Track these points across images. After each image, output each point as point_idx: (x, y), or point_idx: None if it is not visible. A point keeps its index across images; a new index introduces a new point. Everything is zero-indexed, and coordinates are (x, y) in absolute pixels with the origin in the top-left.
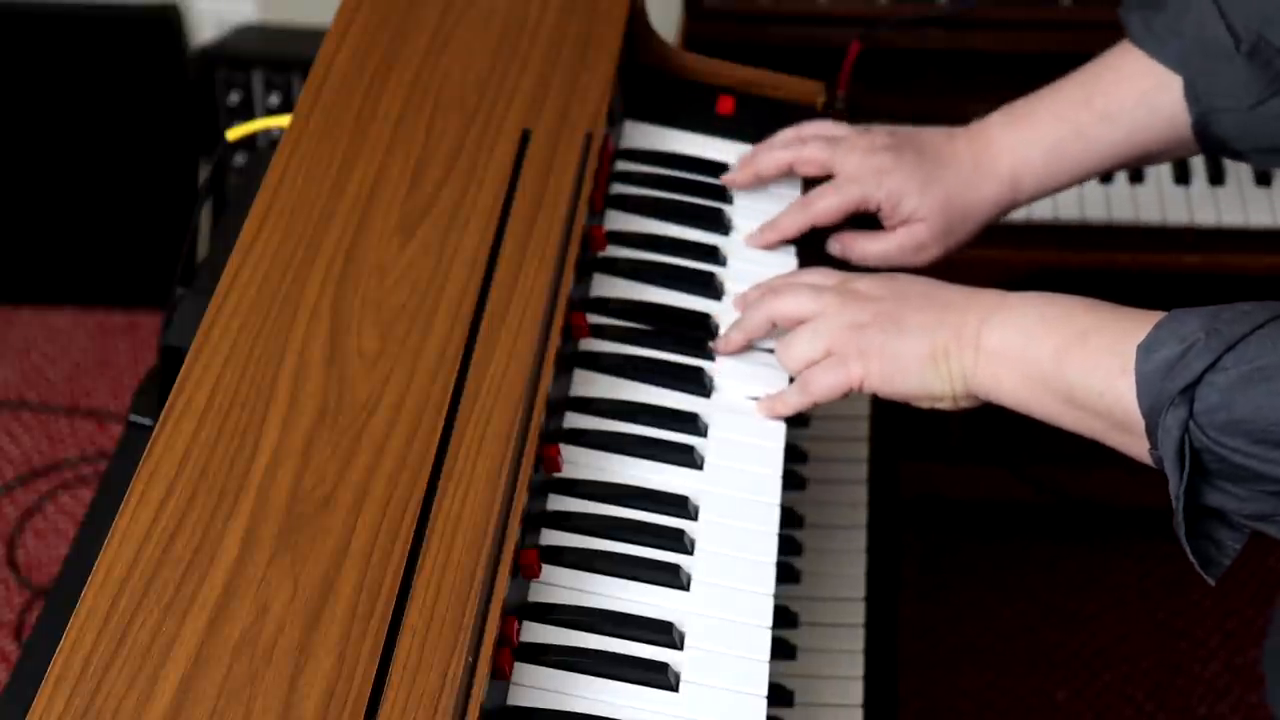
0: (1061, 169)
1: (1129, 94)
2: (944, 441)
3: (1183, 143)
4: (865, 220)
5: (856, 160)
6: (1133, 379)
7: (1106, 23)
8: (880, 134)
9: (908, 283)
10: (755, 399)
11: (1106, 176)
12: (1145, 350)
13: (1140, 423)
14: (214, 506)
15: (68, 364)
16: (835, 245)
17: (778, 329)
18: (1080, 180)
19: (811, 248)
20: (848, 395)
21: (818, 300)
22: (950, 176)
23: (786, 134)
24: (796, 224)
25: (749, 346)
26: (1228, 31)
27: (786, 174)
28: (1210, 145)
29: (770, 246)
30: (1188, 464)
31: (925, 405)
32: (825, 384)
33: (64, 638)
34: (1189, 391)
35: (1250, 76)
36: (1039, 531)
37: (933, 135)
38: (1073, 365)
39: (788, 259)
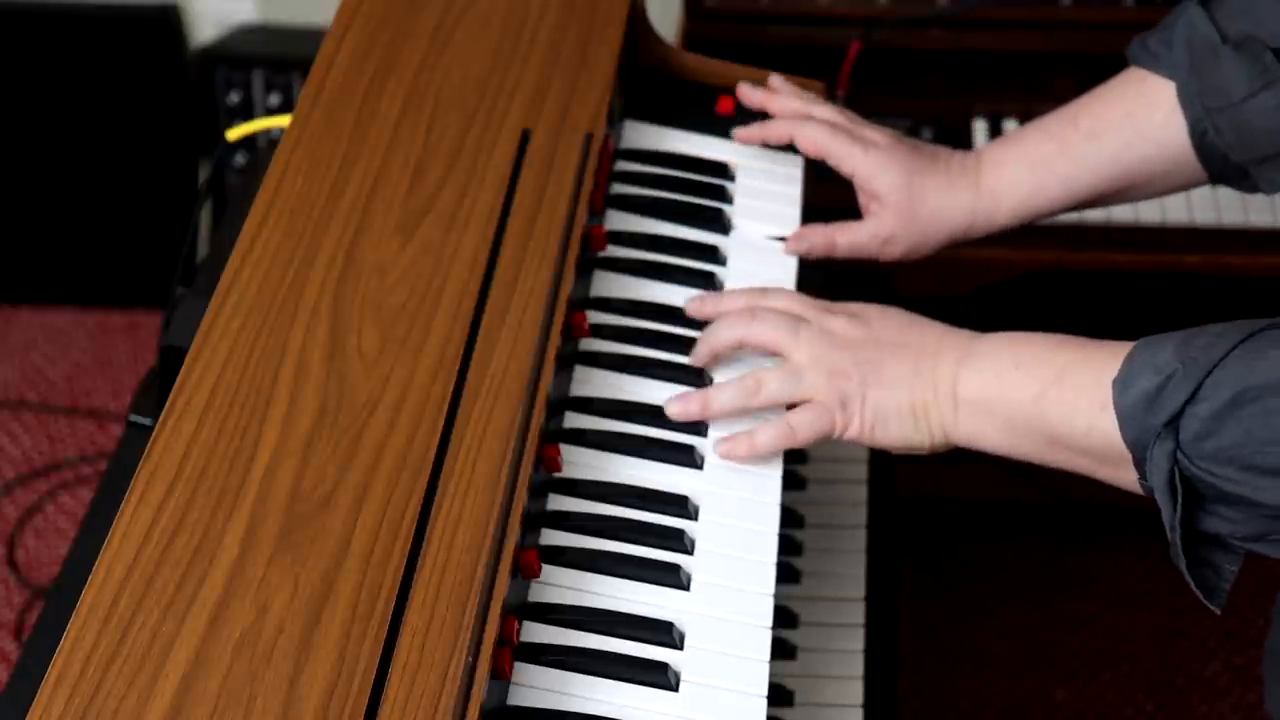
0: (1045, 187)
1: (1114, 112)
2: None
3: (1178, 163)
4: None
5: (852, 124)
6: (1113, 414)
7: (1106, 23)
8: (884, 129)
9: (881, 324)
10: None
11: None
12: (1122, 385)
13: (1127, 455)
14: (214, 506)
15: (68, 364)
16: (805, 241)
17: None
18: (1069, 206)
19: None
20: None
21: (793, 335)
22: (932, 175)
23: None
24: (779, 136)
25: (717, 362)
26: (1215, 29)
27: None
28: (1211, 160)
29: (752, 140)
30: (1180, 494)
31: (902, 453)
32: (807, 431)
33: (64, 638)
34: (1173, 424)
35: (1238, 70)
36: (1038, 531)
37: (931, 145)
38: (1052, 407)
39: (788, 260)
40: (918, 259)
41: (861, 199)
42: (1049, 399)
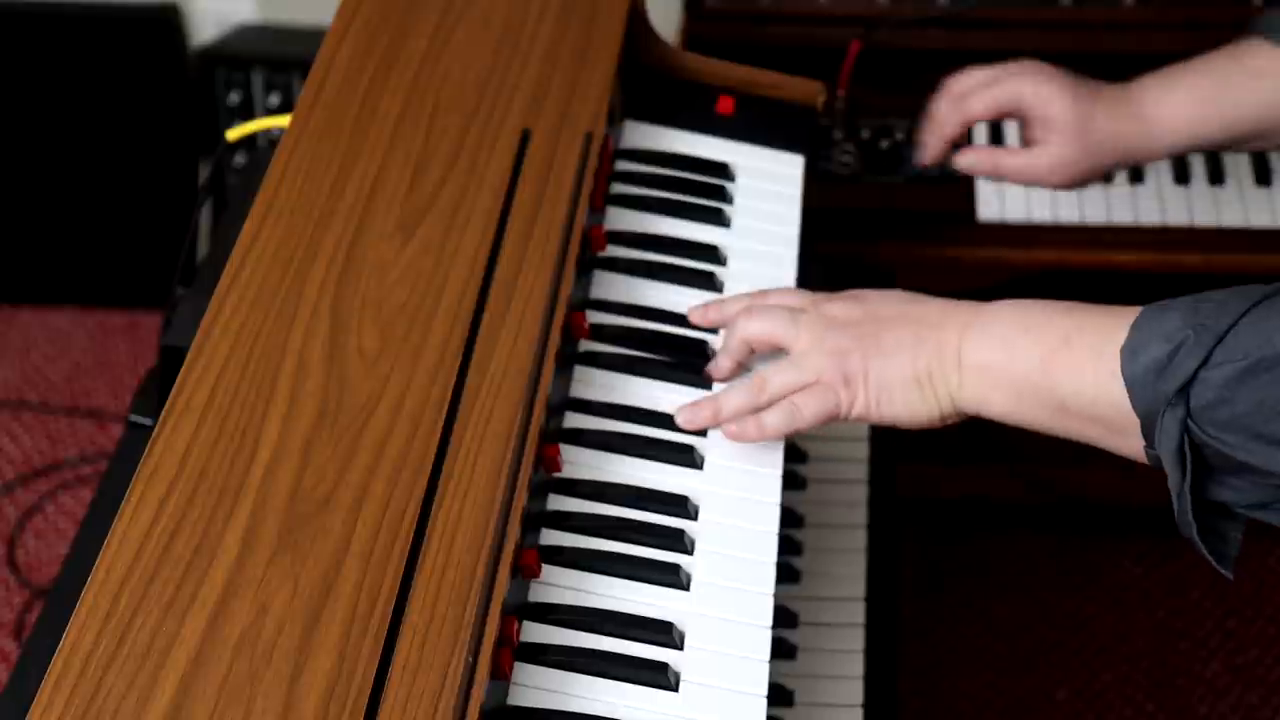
0: (1205, 119)
1: (1273, 59)
2: (943, 441)
3: None
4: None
5: (1016, 66)
6: (1123, 382)
7: (1106, 23)
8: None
9: (880, 302)
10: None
11: (1106, 176)
12: (1130, 352)
13: (1135, 423)
14: (214, 506)
15: (68, 364)
16: (969, 158)
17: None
18: (1223, 141)
19: (811, 249)
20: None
21: (793, 324)
22: (1098, 102)
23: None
24: (953, 121)
25: (740, 370)
26: None
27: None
28: None
29: (937, 148)
30: (1189, 462)
31: (910, 426)
32: (813, 411)
33: (64, 638)
34: (1184, 391)
35: None
36: (1038, 531)
37: (1089, 79)
38: (1060, 374)
39: (788, 259)
40: (1081, 184)
41: (1030, 131)
42: (1057, 365)
